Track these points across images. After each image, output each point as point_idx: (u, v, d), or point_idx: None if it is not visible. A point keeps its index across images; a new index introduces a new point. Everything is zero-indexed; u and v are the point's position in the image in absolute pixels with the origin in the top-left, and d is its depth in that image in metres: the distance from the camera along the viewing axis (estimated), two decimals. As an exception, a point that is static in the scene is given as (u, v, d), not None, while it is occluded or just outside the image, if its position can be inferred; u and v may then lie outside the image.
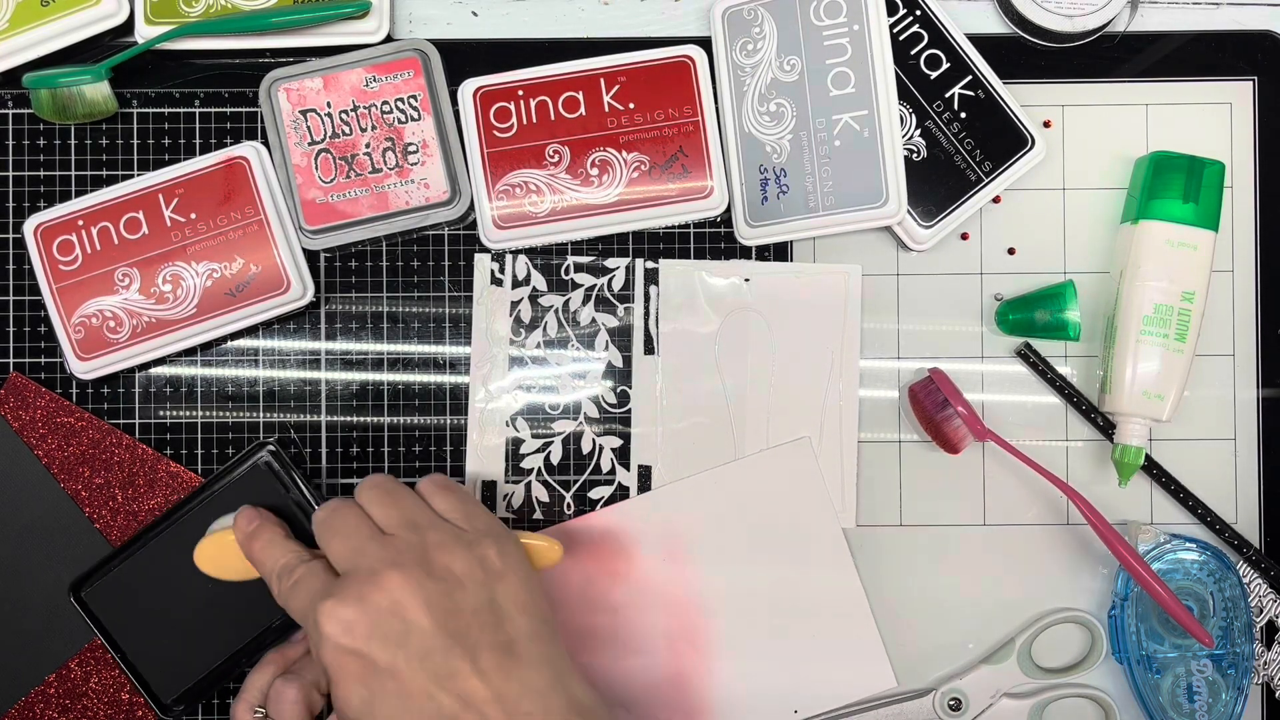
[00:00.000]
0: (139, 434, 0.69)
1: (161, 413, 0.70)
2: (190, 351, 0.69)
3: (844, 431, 0.69)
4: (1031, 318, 0.68)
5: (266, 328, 0.70)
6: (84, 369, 0.67)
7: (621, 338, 0.70)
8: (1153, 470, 0.69)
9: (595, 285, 0.69)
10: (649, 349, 0.70)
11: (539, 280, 0.69)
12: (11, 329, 0.70)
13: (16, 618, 0.68)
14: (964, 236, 0.70)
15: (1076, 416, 0.70)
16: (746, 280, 0.69)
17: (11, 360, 0.70)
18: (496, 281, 0.69)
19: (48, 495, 0.68)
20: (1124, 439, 0.67)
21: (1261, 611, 0.68)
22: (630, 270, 0.69)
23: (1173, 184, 0.66)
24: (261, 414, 0.70)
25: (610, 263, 0.69)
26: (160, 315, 0.67)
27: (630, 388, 0.69)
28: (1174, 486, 0.69)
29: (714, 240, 0.70)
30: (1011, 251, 0.70)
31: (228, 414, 0.70)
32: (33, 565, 0.68)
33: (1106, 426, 0.69)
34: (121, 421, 0.69)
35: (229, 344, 0.70)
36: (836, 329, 0.69)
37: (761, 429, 0.69)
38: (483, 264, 0.69)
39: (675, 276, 0.69)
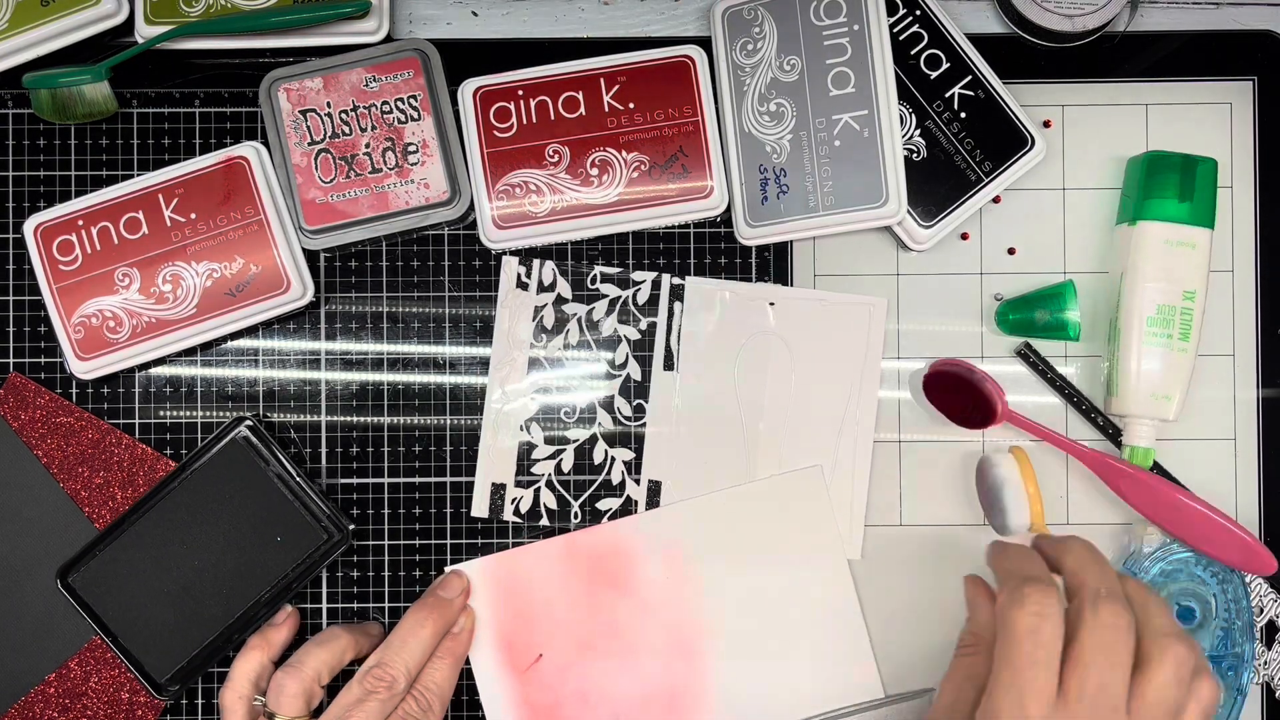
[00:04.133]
0: (139, 434, 0.69)
1: (161, 413, 0.70)
2: (190, 351, 0.69)
3: (856, 464, 0.69)
4: (1031, 318, 0.68)
5: (266, 328, 0.70)
6: (84, 369, 0.67)
7: (642, 351, 0.69)
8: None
9: (620, 297, 0.69)
10: (668, 365, 0.69)
11: (564, 287, 0.69)
12: (11, 329, 0.70)
13: (16, 617, 0.68)
14: (964, 236, 0.70)
15: (1077, 416, 0.70)
16: (771, 304, 0.69)
17: (11, 360, 0.70)
18: (522, 285, 0.69)
19: (47, 495, 0.68)
20: (1133, 440, 0.67)
21: (1262, 611, 0.68)
22: (656, 284, 0.69)
23: (1167, 183, 0.66)
24: (261, 414, 0.70)
25: (637, 275, 0.69)
26: (160, 315, 0.67)
27: (647, 401, 0.69)
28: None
29: (714, 240, 0.70)
30: (1011, 251, 0.70)
31: (228, 414, 0.70)
32: (32, 565, 0.68)
33: (1107, 426, 0.69)
34: (121, 421, 0.69)
35: (229, 344, 0.70)
36: (857, 362, 0.69)
37: (774, 454, 0.69)
38: (509, 267, 0.69)
39: (700, 294, 0.69)
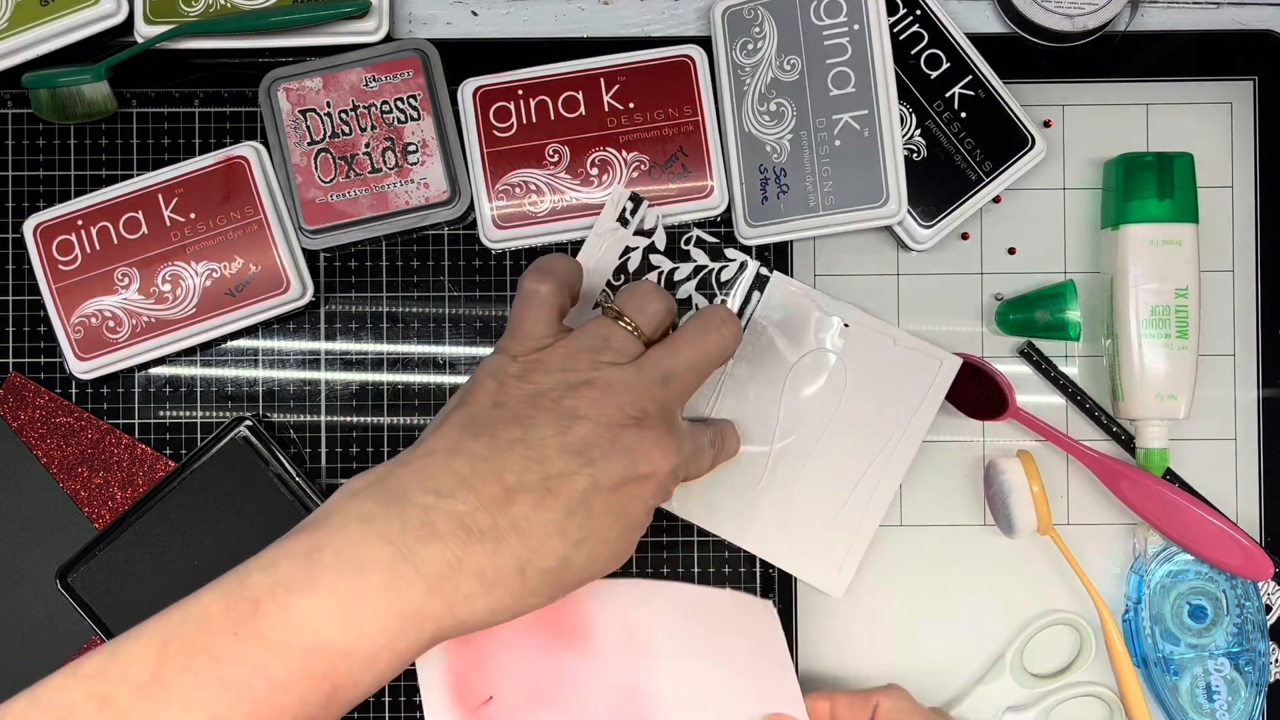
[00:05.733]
0: (138, 434, 0.69)
1: (161, 413, 0.70)
2: (190, 351, 0.69)
3: (870, 508, 0.67)
4: (1032, 318, 0.68)
5: (266, 328, 0.70)
6: (83, 369, 0.67)
7: None
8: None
9: (707, 268, 0.68)
10: None
11: (660, 238, 0.68)
12: (11, 329, 0.70)
13: (15, 617, 0.68)
14: (964, 236, 0.70)
15: (1079, 416, 0.70)
16: (846, 325, 0.68)
17: (11, 360, 0.70)
18: (623, 221, 0.68)
19: (46, 495, 0.68)
20: (1145, 443, 0.67)
21: (1270, 610, 0.68)
22: (742, 268, 0.68)
23: (1145, 183, 0.66)
24: (261, 414, 0.69)
25: (730, 253, 0.68)
26: (160, 315, 0.67)
27: None
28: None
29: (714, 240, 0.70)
30: (1011, 251, 0.70)
31: (227, 414, 0.70)
32: (31, 565, 0.68)
33: (1111, 425, 0.69)
34: (121, 421, 0.69)
35: (229, 344, 0.70)
36: (907, 413, 0.67)
37: (792, 478, 0.67)
38: (618, 198, 0.67)
39: (781, 292, 0.68)
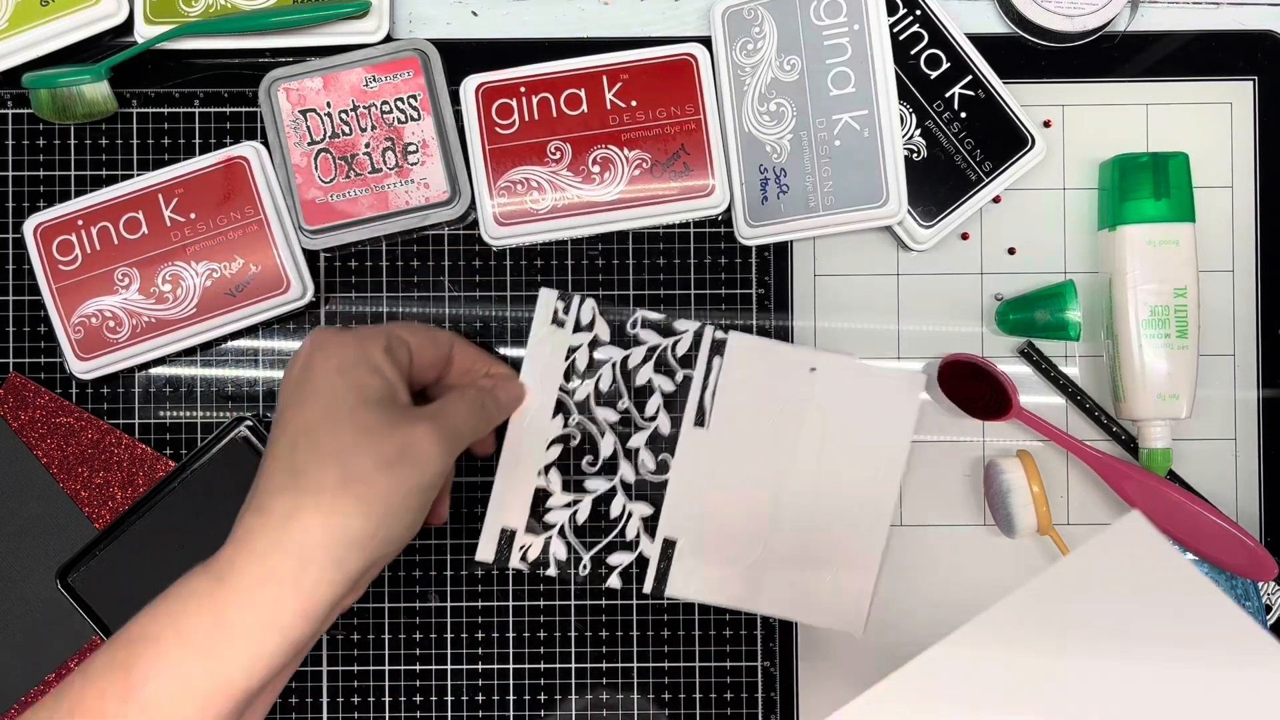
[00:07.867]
0: (138, 434, 0.69)
1: (161, 413, 0.69)
2: (190, 351, 0.69)
3: (870, 547, 0.67)
4: (1032, 318, 0.68)
5: (266, 328, 0.70)
6: (83, 369, 0.67)
7: (674, 403, 0.68)
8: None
9: (659, 346, 0.68)
10: (699, 420, 0.68)
11: (602, 329, 0.68)
12: (11, 329, 0.70)
13: (15, 617, 0.68)
14: (964, 236, 0.70)
15: (1079, 415, 0.70)
16: (813, 369, 0.68)
17: (11, 360, 0.70)
18: (558, 322, 0.68)
19: (47, 495, 0.68)
20: (1148, 443, 0.67)
21: (1270, 610, 0.68)
22: (698, 336, 0.68)
23: (1141, 184, 0.66)
24: (261, 414, 0.69)
25: (679, 325, 0.68)
26: (160, 315, 0.67)
27: (673, 456, 0.68)
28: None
29: (714, 240, 0.70)
30: (1011, 251, 0.70)
31: (227, 414, 0.69)
32: (32, 564, 0.68)
33: (1111, 425, 0.69)
34: (121, 421, 0.69)
35: (229, 344, 0.70)
36: (888, 440, 0.67)
37: (792, 533, 0.67)
38: (547, 300, 0.68)
39: (742, 352, 0.68)
